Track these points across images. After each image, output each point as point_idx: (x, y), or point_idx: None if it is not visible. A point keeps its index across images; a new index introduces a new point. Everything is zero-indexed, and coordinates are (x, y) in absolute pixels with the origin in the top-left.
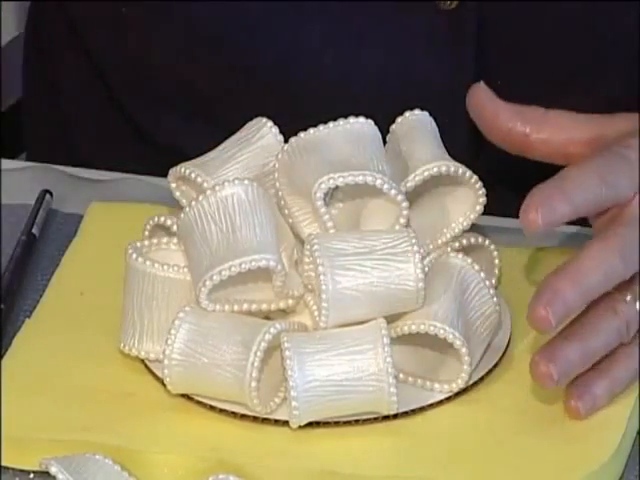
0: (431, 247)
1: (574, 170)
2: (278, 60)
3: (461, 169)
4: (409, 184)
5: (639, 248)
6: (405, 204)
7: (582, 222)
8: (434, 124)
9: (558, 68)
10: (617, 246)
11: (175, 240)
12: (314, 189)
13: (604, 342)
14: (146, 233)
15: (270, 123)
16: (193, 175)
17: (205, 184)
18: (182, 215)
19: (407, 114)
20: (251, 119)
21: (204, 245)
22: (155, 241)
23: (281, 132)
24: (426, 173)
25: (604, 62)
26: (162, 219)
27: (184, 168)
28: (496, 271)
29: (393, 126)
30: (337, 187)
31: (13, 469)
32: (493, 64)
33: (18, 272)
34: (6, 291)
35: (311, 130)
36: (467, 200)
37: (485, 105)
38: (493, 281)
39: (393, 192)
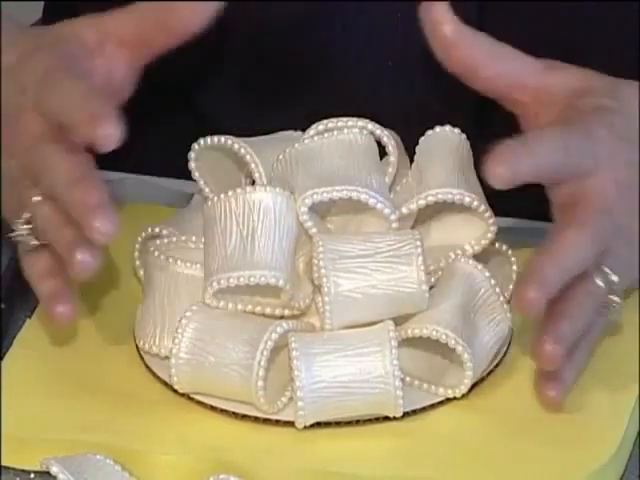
0: (442, 264)
1: (540, 133)
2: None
3: (467, 198)
4: (411, 206)
5: (609, 236)
6: (393, 217)
7: None
8: (464, 141)
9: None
10: (591, 232)
11: (194, 238)
12: (298, 203)
13: (587, 322)
14: (139, 243)
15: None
16: (236, 146)
17: (243, 151)
18: (209, 203)
19: (437, 129)
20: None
21: (222, 243)
22: (174, 239)
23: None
24: (430, 198)
25: (602, 45)
26: (156, 230)
27: (224, 138)
28: (514, 278)
29: (422, 138)
30: (332, 201)
31: (14, 469)
32: None
33: (19, 272)
34: (7, 291)
35: (306, 140)
36: (479, 225)
37: (443, 26)
38: (511, 287)
39: (379, 206)
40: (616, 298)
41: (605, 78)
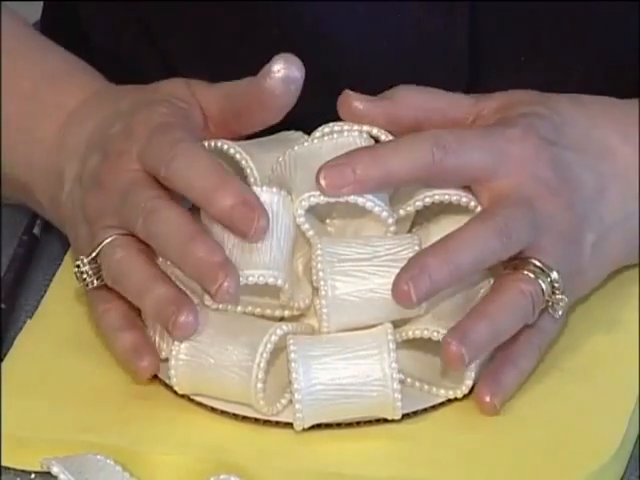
0: None
1: (394, 141)
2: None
3: (464, 198)
4: (409, 208)
5: (522, 226)
6: (391, 220)
7: None
8: None
9: (547, 33)
10: (494, 225)
11: None
12: (295, 206)
13: (512, 322)
14: None
15: (305, 137)
16: (232, 151)
17: (238, 156)
18: None
19: None
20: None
21: (220, 243)
22: None
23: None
24: (427, 199)
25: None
26: None
27: (220, 142)
28: None
29: None
30: (332, 204)
31: (14, 469)
32: (485, 30)
33: (19, 272)
34: (7, 291)
35: (305, 143)
36: None
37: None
38: None
39: (377, 209)
40: (560, 296)
41: (536, 92)
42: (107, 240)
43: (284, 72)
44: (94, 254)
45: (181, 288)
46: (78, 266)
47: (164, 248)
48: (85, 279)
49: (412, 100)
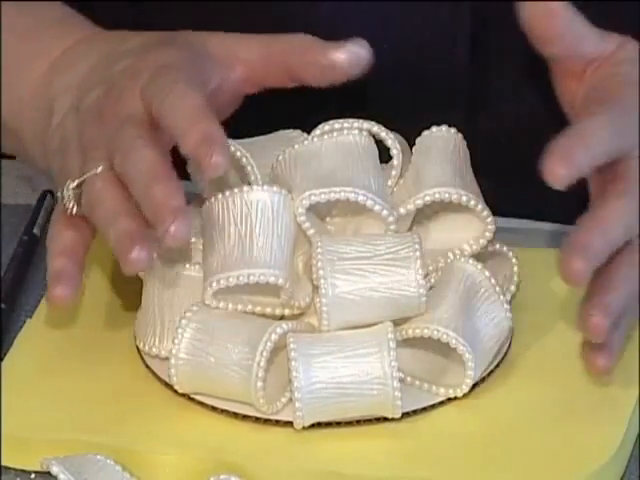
0: (441, 265)
1: (589, 123)
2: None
3: (464, 197)
4: (409, 206)
5: None
6: (391, 218)
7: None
8: (460, 140)
9: None
10: (635, 200)
11: (193, 239)
12: (296, 204)
13: (631, 293)
14: None
15: (304, 136)
16: (232, 148)
17: (239, 153)
18: (207, 203)
19: (434, 129)
20: None
21: (220, 243)
22: None
23: None
24: (427, 198)
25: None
26: None
27: None
28: (515, 279)
29: (418, 139)
30: (332, 202)
31: (14, 469)
32: (489, 22)
33: (19, 272)
34: (7, 291)
35: (305, 142)
36: (477, 225)
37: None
38: (512, 288)
39: (377, 208)
40: None
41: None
42: (94, 170)
43: (357, 54)
44: (78, 181)
45: (144, 223)
46: (62, 191)
47: (131, 186)
48: (66, 204)
49: None
